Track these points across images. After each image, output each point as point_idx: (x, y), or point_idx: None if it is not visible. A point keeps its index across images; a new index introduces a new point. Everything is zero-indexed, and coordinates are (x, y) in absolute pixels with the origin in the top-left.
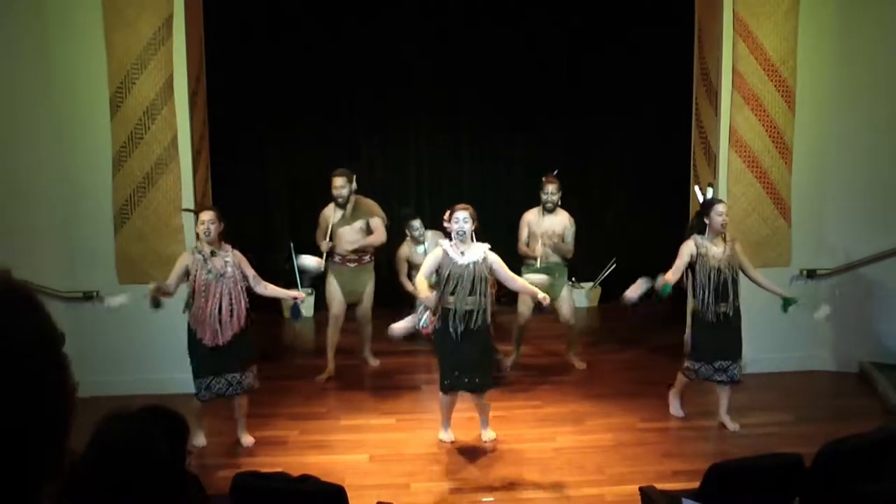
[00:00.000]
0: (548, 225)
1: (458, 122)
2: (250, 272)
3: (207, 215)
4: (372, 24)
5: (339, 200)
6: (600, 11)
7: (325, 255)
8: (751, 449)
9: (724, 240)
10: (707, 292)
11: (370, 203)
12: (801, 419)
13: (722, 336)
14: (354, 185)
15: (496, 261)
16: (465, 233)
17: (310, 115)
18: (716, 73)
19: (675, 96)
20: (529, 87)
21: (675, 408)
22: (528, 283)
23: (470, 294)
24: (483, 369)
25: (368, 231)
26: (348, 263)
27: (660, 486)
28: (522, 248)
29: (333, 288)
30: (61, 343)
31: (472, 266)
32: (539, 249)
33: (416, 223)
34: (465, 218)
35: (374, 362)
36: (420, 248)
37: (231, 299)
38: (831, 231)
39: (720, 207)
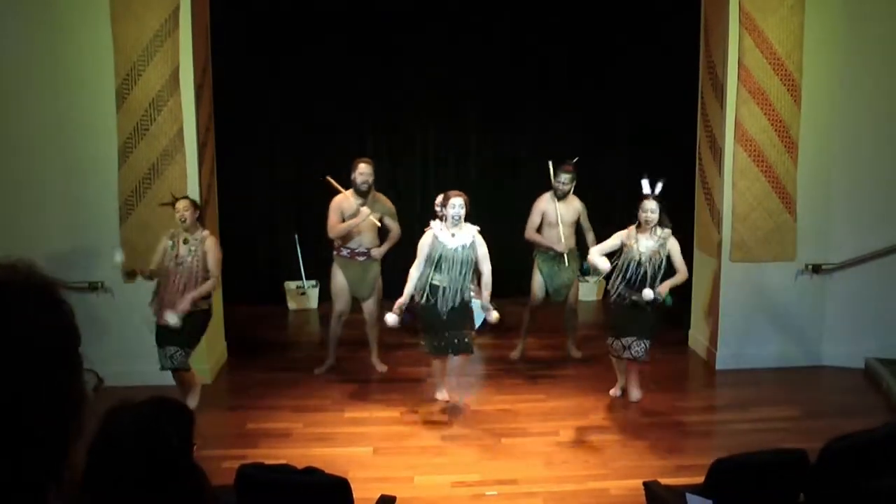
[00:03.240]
0: (562, 212)
1: (466, 122)
2: (210, 263)
3: (182, 204)
4: (381, 20)
5: (363, 187)
6: (606, 5)
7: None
8: (755, 444)
9: (655, 233)
10: (619, 279)
11: (386, 200)
12: (806, 415)
13: (632, 316)
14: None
15: (481, 247)
16: (460, 218)
17: (317, 108)
18: (722, 67)
19: (681, 90)
20: (535, 83)
21: (615, 388)
22: (488, 285)
23: (449, 273)
24: (460, 332)
25: (381, 227)
26: (357, 258)
27: (664, 480)
28: (533, 234)
29: (340, 283)
30: (77, 343)
31: (460, 249)
32: (563, 246)
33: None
34: (461, 204)
35: (382, 368)
36: None
37: (187, 287)
38: (837, 225)
39: (646, 204)
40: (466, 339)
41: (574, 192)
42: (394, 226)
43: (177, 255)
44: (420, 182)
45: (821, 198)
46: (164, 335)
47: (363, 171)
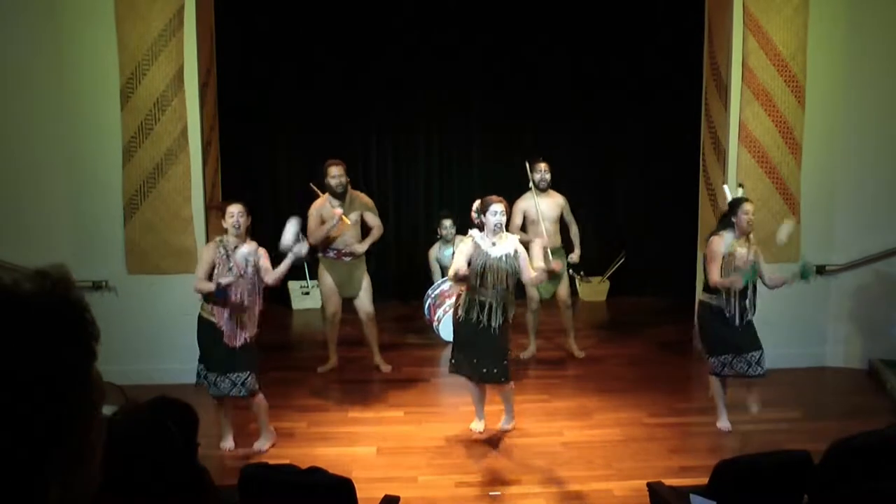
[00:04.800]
0: (544, 208)
1: (470, 122)
2: (266, 264)
3: (236, 208)
4: (386, 22)
5: (339, 189)
6: (610, 8)
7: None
8: (759, 446)
9: (749, 240)
10: (733, 292)
11: (364, 196)
12: (810, 416)
13: (740, 331)
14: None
15: (523, 255)
16: (501, 225)
17: (321, 107)
18: (726, 68)
19: (685, 91)
20: (539, 84)
21: (722, 420)
22: (538, 275)
23: (495, 287)
24: (495, 361)
25: (363, 224)
26: (344, 258)
27: (668, 481)
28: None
29: (328, 285)
30: (88, 361)
31: (504, 258)
32: (546, 239)
33: (448, 222)
34: (501, 211)
35: (386, 368)
36: (448, 251)
37: (247, 300)
38: (841, 227)
39: (747, 206)
40: (496, 370)
41: (577, 190)
42: (375, 221)
43: (234, 266)
44: (423, 184)
45: (825, 199)
46: (229, 360)
47: (334, 173)
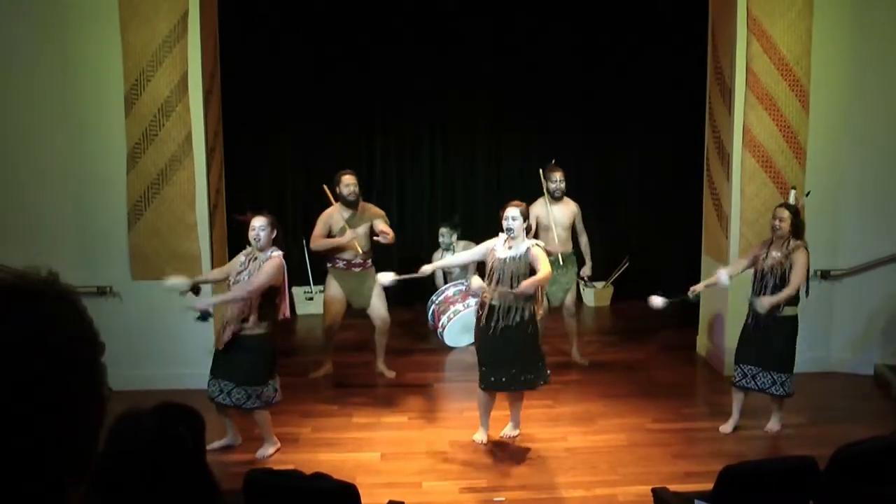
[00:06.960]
0: (558, 215)
1: (473, 124)
2: (259, 276)
3: (258, 221)
4: (388, 25)
5: (351, 198)
6: (614, 12)
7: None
8: (764, 451)
9: (788, 247)
10: (751, 293)
11: (374, 208)
12: (815, 421)
13: (755, 341)
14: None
15: (537, 256)
16: (513, 230)
17: (325, 114)
18: (730, 72)
19: (689, 95)
20: (543, 87)
21: (726, 424)
22: (536, 281)
23: (502, 287)
24: (518, 368)
25: (373, 233)
26: (353, 268)
27: (672, 487)
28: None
29: (334, 294)
30: (100, 352)
31: (507, 260)
32: (557, 246)
33: (444, 230)
34: (513, 215)
35: (390, 374)
36: (449, 255)
37: (240, 307)
38: (846, 231)
39: (776, 212)
40: (532, 376)
41: (581, 194)
42: (385, 228)
43: (239, 273)
44: (428, 189)
45: (829, 203)
46: (218, 364)
47: (348, 182)
